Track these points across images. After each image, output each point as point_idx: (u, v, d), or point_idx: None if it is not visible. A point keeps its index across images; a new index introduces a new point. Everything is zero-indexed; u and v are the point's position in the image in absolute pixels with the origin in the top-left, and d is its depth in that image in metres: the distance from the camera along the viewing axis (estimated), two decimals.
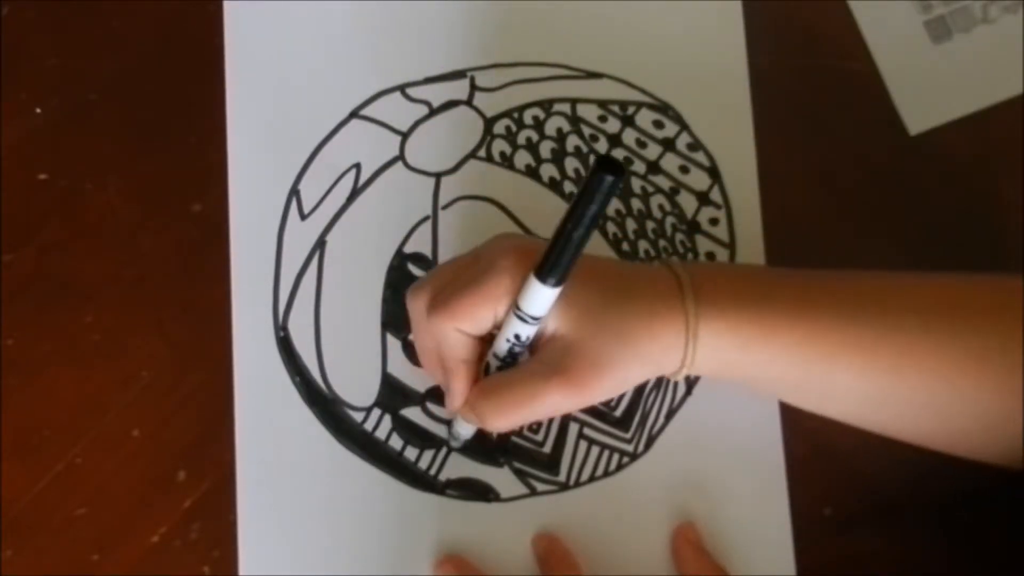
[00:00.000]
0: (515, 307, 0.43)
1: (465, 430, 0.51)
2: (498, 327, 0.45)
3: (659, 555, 0.53)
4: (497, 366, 0.46)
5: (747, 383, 0.49)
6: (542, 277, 0.41)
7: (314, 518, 0.52)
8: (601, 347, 0.44)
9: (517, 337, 0.44)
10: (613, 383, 0.45)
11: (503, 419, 0.46)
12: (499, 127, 0.56)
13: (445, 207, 0.55)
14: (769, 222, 0.55)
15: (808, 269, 0.48)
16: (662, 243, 0.55)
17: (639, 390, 0.54)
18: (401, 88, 0.56)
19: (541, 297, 0.42)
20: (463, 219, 0.55)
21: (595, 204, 0.39)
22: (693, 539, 0.52)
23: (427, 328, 0.46)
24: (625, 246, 0.55)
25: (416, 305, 0.46)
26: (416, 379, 0.53)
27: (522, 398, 0.44)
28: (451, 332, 0.45)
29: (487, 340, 0.46)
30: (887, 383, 0.46)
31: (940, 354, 0.45)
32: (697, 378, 0.54)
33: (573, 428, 0.54)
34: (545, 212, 0.55)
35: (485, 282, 0.44)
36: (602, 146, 0.56)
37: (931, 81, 0.57)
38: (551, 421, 0.53)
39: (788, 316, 0.45)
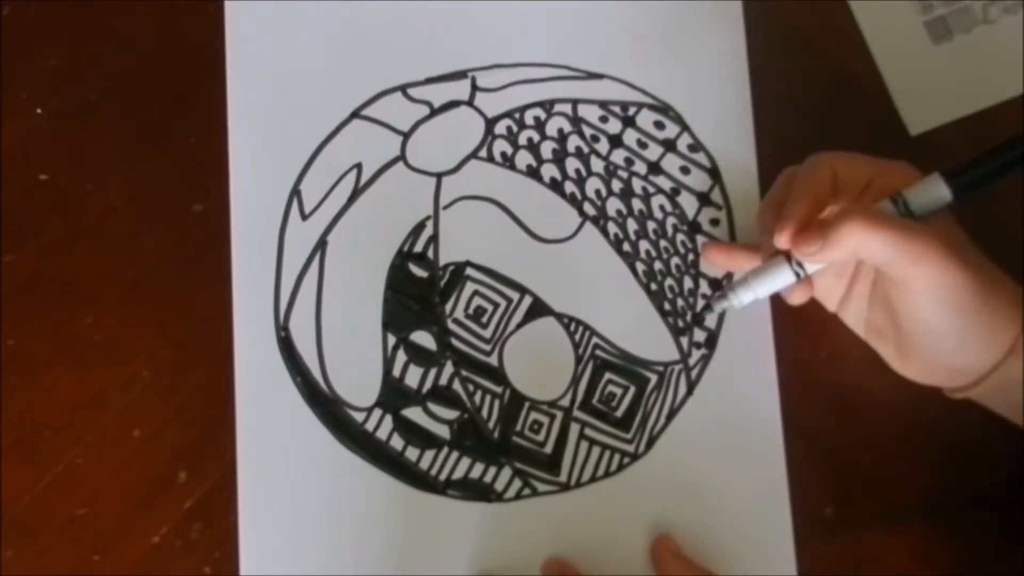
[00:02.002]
0: (892, 196, 0.45)
1: (763, 288, 0.50)
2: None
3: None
4: None
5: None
6: (951, 179, 0.42)
7: (315, 518, 0.52)
8: (973, 264, 0.45)
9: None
10: (964, 287, 0.44)
11: (862, 235, 0.44)
12: (500, 127, 0.56)
13: (446, 207, 0.55)
14: None
15: None
16: (663, 243, 0.55)
17: (640, 391, 0.54)
18: (402, 88, 0.56)
19: (933, 194, 0.43)
20: (464, 219, 0.55)
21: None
22: (672, 548, 0.52)
23: (809, 162, 0.48)
24: (626, 246, 0.55)
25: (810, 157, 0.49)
26: (417, 378, 0.53)
27: (895, 228, 0.43)
28: (824, 166, 0.47)
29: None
30: None
31: None
32: (698, 379, 0.54)
33: (574, 428, 0.54)
34: (546, 213, 0.55)
35: (896, 166, 0.47)
36: (603, 147, 0.56)
37: (931, 81, 0.57)
38: (552, 421, 0.53)
39: None
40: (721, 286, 0.54)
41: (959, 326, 0.46)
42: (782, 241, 0.46)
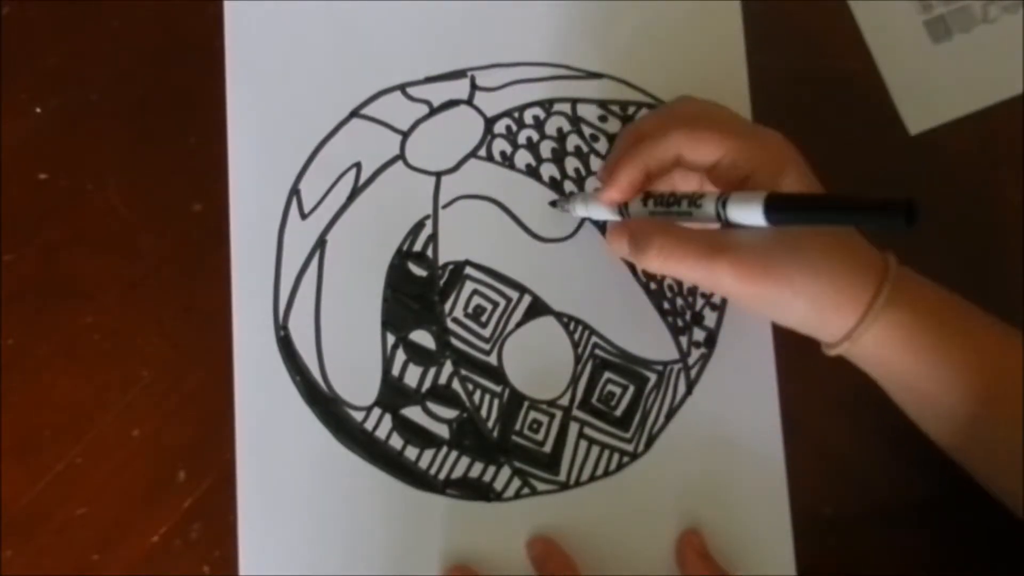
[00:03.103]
0: (723, 197, 0.44)
1: (594, 211, 0.51)
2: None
3: (659, 555, 0.53)
4: (652, 209, 0.47)
5: (898, 375, 0.48)
6: (770, 215, 0.41)
7: (314, 518, 0.52)
8: (786, 263, 0.45)
9: (694, 203, 0.45)
10: (772, 299, 0.45)
11: (661, 263, 0.46)
12: (499, 126, 0.56)
13: (445, 206, 0.55)
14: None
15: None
16: None
17: (639, 390, 0.54)
18: (401, 87, 0.56)
19: (750, 217, 0.42)
20: (463, 218, 0.55)
21: (864, 219, 0.39)
22: (698, 546, 0.52)
23: (665, 118, 0.48)
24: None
25: (682, 102, 0.50)
26: (416, 378, 0.53)
27: (690, 258, 0.45)
28: (672, 140, 0.46)
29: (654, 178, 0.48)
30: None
31: None
32: (698, 378, 0.54)
33: (573, 428, 0.54)
34: (546, 212, 0.55)
35: (753, 145, 0.46)
36: (603, 146, 0.56)
37: (931, 81, 0.57)
38: (551, 420, 0.53)
39: (982, 326, 0.47)
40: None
41: (779, 321, 0.48)
42: (607, 199, 0.49)
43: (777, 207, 0.41)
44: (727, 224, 0.44)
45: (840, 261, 0.46)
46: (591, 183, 0.55)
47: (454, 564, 0.52)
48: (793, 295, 0.45)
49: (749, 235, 0.45)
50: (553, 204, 0.55)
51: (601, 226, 0.54)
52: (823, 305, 0.46)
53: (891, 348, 0.46)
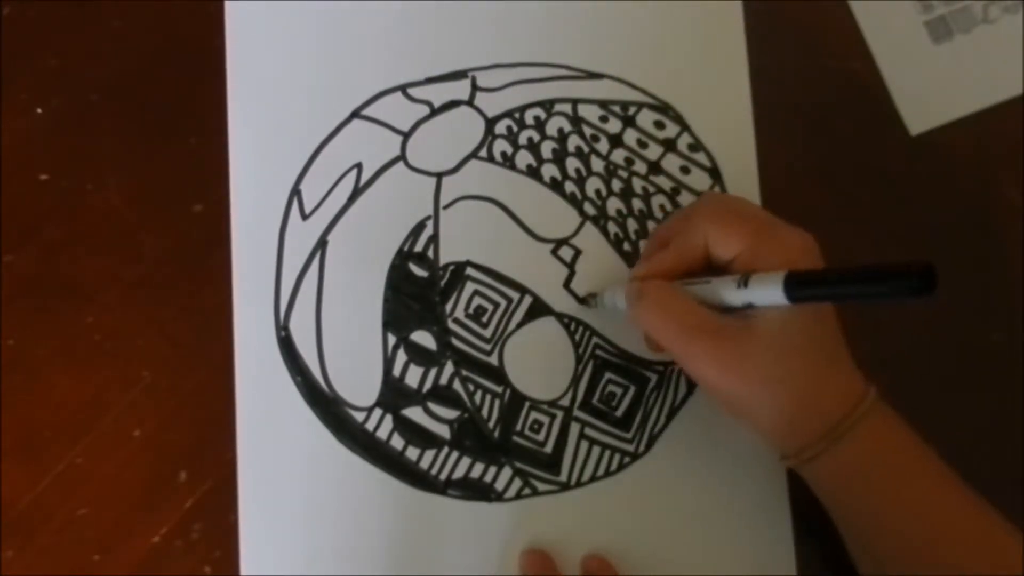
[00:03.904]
0: (745, 277, 0.43)
1: (621, 302, 0.50)
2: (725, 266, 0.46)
3: (659, 555, 0.53)
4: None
5: (840, 504, 0.48)
6: (790, 291, 0.41)
7: (315, 518, 0.52)
8: (763, 367, 0.44)
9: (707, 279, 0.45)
10: (737, 395, 0.45)
11: (641, 320, 0.46)
12: (500, 127, 0.56)
13: (446, 207, 0.55)
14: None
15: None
16: None
17: (640, 390, 0.54)
18: (402, 88, 0.56)
19: (770, 294, 0.42)
20: (464, 219, 0.55)
21: (886, 287, 0.37)
22: (596, 570, 0.52)
23: (694, 214, 0.47)
24: (627, 246, 0.55)
25: (708, 199, 0.49)
26: (417, 378, 0.54)
27: (674, 323, 0.45)
28: (700, 230, 0.46)
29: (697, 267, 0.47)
30: None
31: None
32: None
33: (574, 428, 0.54)
34: (546, 212, 0.55)
35: (774, 241, 0.45)
36: (603, 146, 0.56)
37: (931, 81, 0.57)
38: (552, 421, 0.53)
39: (937, 483, 0.46)
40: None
41: (736, 417, 0.48)
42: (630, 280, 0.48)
43: (797, 283, 0.41)
44: (746, 307, 0.44)
45: (816, 381, 0.45)
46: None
47: (527, 549, 0.52)
48: (757, 397, 0.45)
49: (739, 329, 0.44)
50: (583, 301, 0.54)
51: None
52: (783, 418, 0.45)
53: (838, 479, 0.46)
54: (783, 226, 0.46)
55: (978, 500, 0.46)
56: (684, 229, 0.47)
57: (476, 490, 0.53)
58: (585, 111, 0.56)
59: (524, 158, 0.55)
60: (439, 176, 0.55)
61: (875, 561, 0.47)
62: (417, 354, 0.54)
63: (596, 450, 0.53)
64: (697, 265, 0.47)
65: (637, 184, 0.56)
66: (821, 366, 0.45)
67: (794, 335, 0.44)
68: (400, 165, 0.55)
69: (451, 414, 0.53)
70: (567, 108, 0.56)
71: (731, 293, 0.44)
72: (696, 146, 0.56)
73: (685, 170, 0.56)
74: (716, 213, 0.46)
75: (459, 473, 0.53)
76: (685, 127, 0.56)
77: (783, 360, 0.44)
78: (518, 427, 0.53)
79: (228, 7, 0.56)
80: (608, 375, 0.54)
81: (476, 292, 0.54)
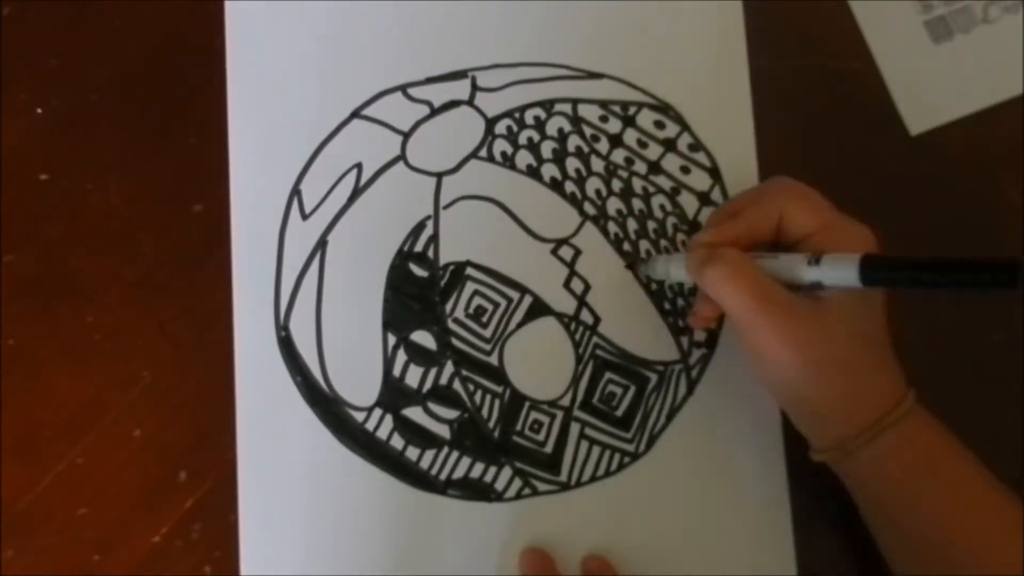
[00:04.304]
0: (815, 255, 0.43)
1: (675, 272, 0.51)
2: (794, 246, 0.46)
3: (659, 555, 0.53)
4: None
5: (874, 498, 0.48)
6: (865, 274, 0.41)
7: (315, 518, 0.52)
8: (824, 350, 0.44)
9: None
10: (791, 374, 0.45)
11: (714, 284, 0.45)
12: (500, 127, 0.56)
13: (446, 207, 0.55)
14: None
15: None
16: (663, 243, 0.55)
17: (640, 390, 0.54)
18: (402, 88, 0.56)
19: (844, 276, 0.42)
20: (464, 219, 0.55)
21: (968, 280, 0.37)
22: (596, 570, 0.52)
23: (769, 190, 0.48)
24: (627, 246, 0.55)
25: (782, 180, 0.49)
26: (417, 378, 0.54)
27: (750, 292, 0.44)
28: (775, 204, 0.46)
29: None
30: None
31: None
32: (698, 378, 0.54)
33: (574, 428, 0.54)
34: (546, 212, 0.55)
35: (845, 226, 0.46)
36: (603, 146, 0.56)
37: (931, 81, 0.57)
38: (552, 421, 0.53)
39: (971, 480, 0.46)
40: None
41: (779, 397, 0.49)
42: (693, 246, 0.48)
43: (874, 264, 0.41)
44: (813, 286, 0.44)
45: (869, 373, 0.46)
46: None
47: (527, 548, 0.52)
48: (814, 381, 0.45)
49: (811, 307, 0.44)
50: (630, 267, 0.54)
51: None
52: (834, 403, 0.46)
53: (879, 473, 0.46)
54: (851, 218, 0.47)
55: (1012, 496, 0.46)
56: (758, 202, 0.47)
57: (476, 490, 0.53)
58: (585, 111, 0.56)
59: (524, 158, 0.55)
60: (439, 176, 0.55)
61: (907, 559, 0.48)
62: (417, 354, 0.54)
63: (596, 450, 0.53)
64: (764, 240, 0.47)
65: (637, 184, 0.56)
66: (875, 358, 0.46)
67: (858, 323, 0.45)
68: (400, 165, 0.55)
69: (451, 414, 0.53)
70: (567, 108, 0.56)
71: (801, 269, 0.44)
72: (696, 146, 0.56)
73: (685, 170, 0.56)
74: (793, 191, 0.47)
75: (459, 473, 0.53)
76: (685, 127, 0.56)
77: (846, 347, 0.45)
78: (518, 427, 0.53)
79: (228, 7, 0.56)
80: (608, 375, 0.54)
81: (476, 292, 0.54)
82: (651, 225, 0.55)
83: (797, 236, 0.46)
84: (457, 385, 0.53)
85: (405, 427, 0.53)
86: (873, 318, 0.46)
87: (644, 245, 0.55)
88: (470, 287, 0.54)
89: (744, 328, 0.46)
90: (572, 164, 0.55)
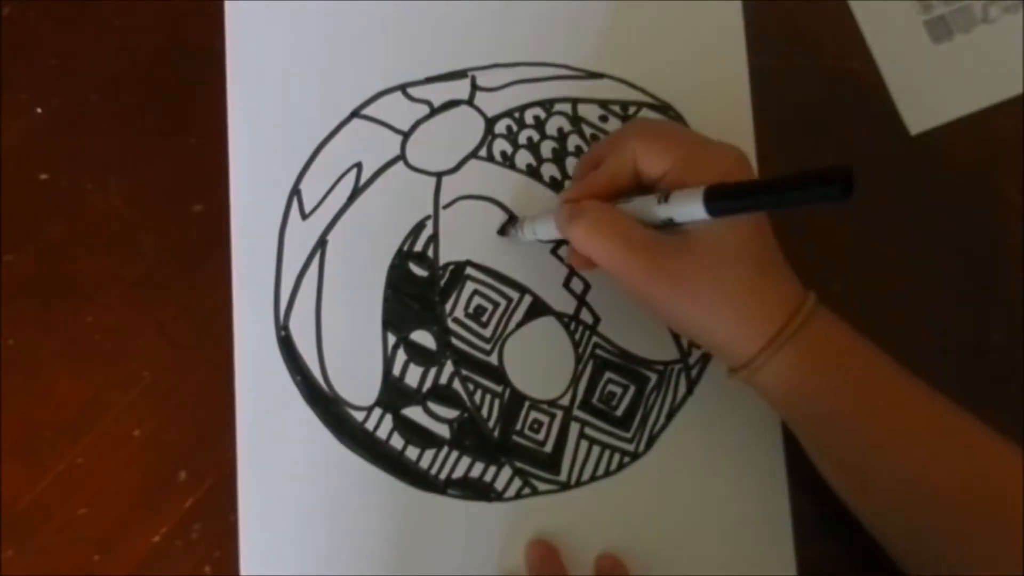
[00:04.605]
0: (665, 193, 0.44)
1: (542, 231, 0.51)
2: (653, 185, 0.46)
3: (659, 555, 0.53)
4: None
5: (793, 412, 0.48)
6: (710, 205, 0.41)
7: (315, 518, 0.52)
8: (701, 277, 0.45)
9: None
10: (675, 306, 0.45)
11: (579, 239, 0.46)
12: (500, 127, 0.56)
13: (446, 206, 0.55)
14: (769, 221, 0.55)
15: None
16: None
17: (640, 390, 0.54)
18: (402, 88, 0.56)
19: (691, 209, 0.42)
20: (464, 219, 0.55)
21: (804, 194, 0.37)
22: (609, 569, 0.52)
23: (621, 136, 0.48)
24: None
25: (635, 122, 0.50)
26: (417, 378, 0.54)
27: (612, 241, 0.45)
28: (629, 148, 0.46)
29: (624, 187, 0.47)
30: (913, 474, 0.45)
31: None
32: (698, 378, 0.54)
33: (574, 427, 0.54)
34: (546, 212, 0.55)
35: (703, 158, 0.45)
36: None
37: (931, 81, 0.57)
38: (552, 420, 0.53)
39: (886, 376, 0.46)
40: None
41: (682, 333, 0.49)
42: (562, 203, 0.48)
43: (717, 195, 0.41)
44: (668, 224, 0.44)
45: (755, 290, 0.45)
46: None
47: (533, 540, 0.52)
48: (699, 310, 0.45)
49: (676, 243, 0.45)
50: (502, 232, 0.54)
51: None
52: (727, 330, 0.46)
53: (789, 386, 0.46)
54: (713, 143, 0.47)
55: (931, 391, 0.46)
56: (614, 149, 0.47)
57: (476, 490, 0.53)
58: (585, 111, 0.56)
59: (524, 158, 0.55)
60: (439, 176, 0.55)
61: (837, 467, 0.48)
62: (417, 354, 0.54)
63: (596, 450, 0.53)
64: (628, 185, 0.47)
65: None
66: (757, 277, 0.45)
67: (729, 246, 0.45)
68: (400, 165, 0.55)
69: (451, 414, 0.53)
70: (567, 108, 0.56)
71: (653, 209, 0.44)
72: None
73: None
74: (644, 131, 0.47)
75: (459, 473, 0.53)
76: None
77: (719, 272, 0.45)
78: (518, 427, 0.53)
79: (228, 7, 0.56)
80: (608, 375, 0.54)
81: (476, 292, 0.54)
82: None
83: (655, 176, 0.46)
84: (457, 385, 0.53)
85: (405, 427, 0.53)
86: (751, 237, 0.46)
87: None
88: (470, 287, 0.54)
89: (616, 276, 0.46)
90: (572, 164, 0.55)
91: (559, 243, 0.55)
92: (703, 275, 0.45)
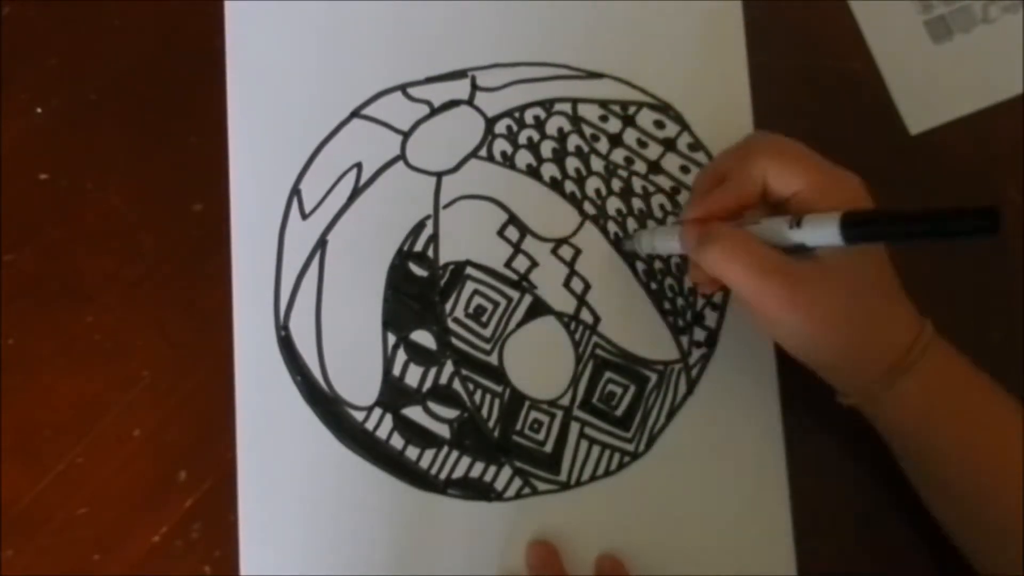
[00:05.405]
0: (797, 217, 0.43)
1: (662, 246, 0.50)
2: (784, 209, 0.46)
3: (659, 555, 0.53)
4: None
5: (906, 439, 0.48)
6: (846, 231, 0.41)
7: (315, 518, 0.52)
8: (831, 303, 0.44)
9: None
10: (805, 332, 0.45)
11: (715, 264, 0.45)
12: (500, 127, 0.56)
13: (446, 206, 0.55)
14: None
15: None
16: None
17: (640, 390, 0.54)
18: (402, 88, 0.56)
19: (826, 235, 0.42)
20: (464, 218, 0.55)
21: (947, 228, 0.37)
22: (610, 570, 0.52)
23: (752, 151, 0.46)
24: (627, 245, 0.55)
25: (760, 135, 0.49)
26: (417, 378, 0.53)
27: (749, 268, 0.44)
28: (759, 166, 0.45)
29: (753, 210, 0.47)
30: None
31: None
32: (698, 378, 0.54)
33: (574, 427, 0.54)
34: (546, 212, 0.55)
35: (831, 181, 0.45)
36: (603, 146, 0.56)
37: (931, 81, 0.57)
38: (552, 420, 0.53)
39: (999, 406, 0.47)
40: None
41: (801, 358, 0.48)
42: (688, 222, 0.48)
43: (854, 222, 0.41)
44: (799, 248, 0.44)
45: (880, 320, 0.46)
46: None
47: (534, 541, 0.52)
48: (828, 338, 0.45)
49: (809, 270, 0.44)
50: (618, 241, 0.55)
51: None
52: (850, 356, 0.46)
53: (904, 414, 0.46)
54: (839, 169, 0.46)
55: None
56: (742, 165, 0.46)
57: (476, 490, 0.53)
58: (585, 111, 0.56)
59: (524, 157, 0.55)
60: (439, 176, 0.55)
61: (947, 500, 0.48)
62: (417, 353, 0.54)
63: (596, 450, 0.53)
64: (753, 203, 0.46)
65: (637, 183, 0.56)
66: (883, 304, 0.46)
67: (858, 275, 0.45)
68: (400, 165, 0.55)
69: (451, 413, 0.53)
70: (567, 108, 0.56)
71: (784, 233, 0.44)
72: (696, 146, 0.56)
73: (685, 169, 0.56)
74: (775, 148, 0.46)
75: (459, 472, 0.53)
76: (685, 127, 0.56)
77: (850, 300, 0.45)
78: (518, 426, 0.53)
79: (228, 7, 0.56)
80: (608, 374, 0.54)
81: (476, 291, 0.54)
82: (651, 224, 0.55)
83: (784, 195, 0.46)
84: (457, 385, 0.53)
85: (405, 426, 0.53)
86: (875, 265, 0.46)
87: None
88: (470, 287, 0.54)
89: (748, 300, 0.45)
90: (572, 164, 0.55)
91: (560, 243, 0.54)
92: (837, 304, 0.44)
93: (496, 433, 0.53)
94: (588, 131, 0.56)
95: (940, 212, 0.37)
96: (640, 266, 0.55)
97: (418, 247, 0.54)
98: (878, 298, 0.46)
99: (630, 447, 0.54)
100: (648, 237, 0.51)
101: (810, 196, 0.45)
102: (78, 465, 0.52)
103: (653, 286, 0.55)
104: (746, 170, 0.46)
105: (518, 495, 0.53)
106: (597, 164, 0.56)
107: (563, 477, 0.53)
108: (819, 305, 0.44)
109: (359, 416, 0.53)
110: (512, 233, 0.55)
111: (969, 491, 0.47)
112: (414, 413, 0.53)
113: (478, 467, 0.53)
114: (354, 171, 0.55)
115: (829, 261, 0.44)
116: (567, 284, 0.54)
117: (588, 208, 0.55)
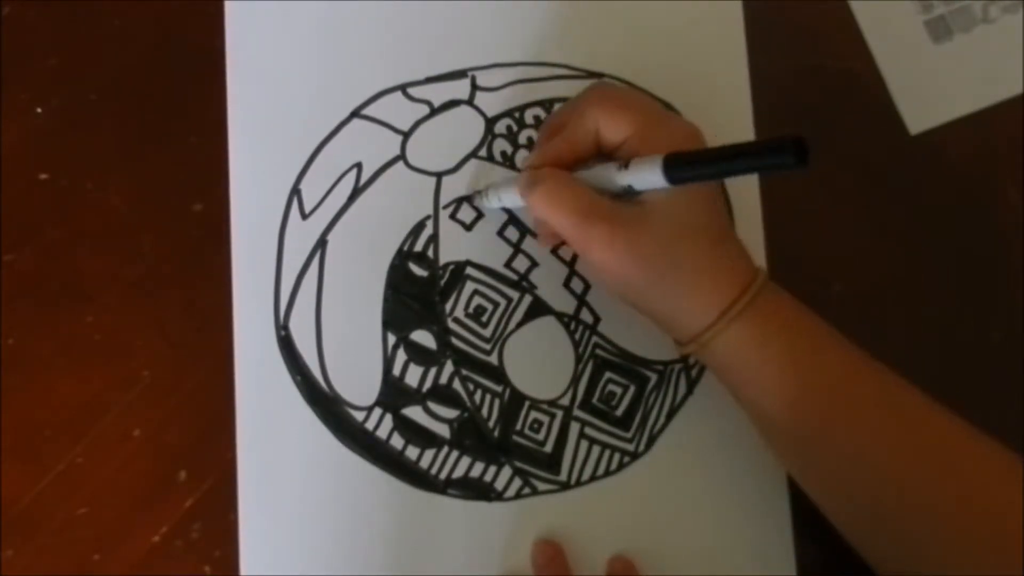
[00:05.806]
0: (625, 160, 0.44)
1: (507, 199, 0.51)
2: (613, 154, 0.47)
3: (659, 555, 0.53)
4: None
5: (742, 386, 0.48)
6: (669, 172, 0.42)
7: (315, 518, 0.52)
8: (657, 250, 0.45)
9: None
10: (633, 279, 0.45)
11: (537, 206, 0.46)
12: (500, 126, 0.56)
13: (446, 206, 0.55)
14: (769, 222, 0.55)
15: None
16: None
17: (640, 390, 0.54)
18: (402, 87, 0.56)
19: (651, 177, 0.43)
20: (464, 218, 0.55)
21: (760, 162, 0.39)
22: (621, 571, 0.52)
23: (583, 102, 0.47)
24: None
25: (597, 87, 0.49)
26: (417, 378, 0.53)
27: (570, 209, 0.45)
28: (591, 115, 0.46)
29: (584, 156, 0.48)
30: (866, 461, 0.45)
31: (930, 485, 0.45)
32: (698, 378, 0.54)
33: (574, 427, 0.54)
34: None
35: (661, 130, 0.46)
36: None
37: (931, 81, 0.57)
38: (552, 420, 0.53)
39: (833, 350, 0.46)
40: None
41: (633, 306, 0.48)
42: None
43: (676, 162, 0.42)
44: (628, 192, 0.45)
45: (708, 264, 0.46)
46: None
47: (540, 539, 0.52)
48: (652, 282, 0.45)
49: (633, 214, 0.45)
50: (469, 200, 0.55)
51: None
52: (679, 303, 0.46)
53: (737, 359, 0.46)
54: (670, 115, 0.47)
55: (879, 365, 0.46)
56: (574, 116, 0.47)
57: (476, 490, 0.53)
58: None
59: (524, 157, 0.55)
60: (439, 176, 0.55)
61: (784, 443, 0.48)
62: (417, 353, 0.54)
63: (596, 450, 0.53)
64: (588, 153, 0.47)
65: None
66: (710, 251, 0.46)
67: (683, 219, 0.45)
68: (400, 165, 0.55)
69: (451, 413, 0.53)
70: None
71: (613, 176, 0.45)
72: None
73: None
74: (605, 98, 0.47)
75: (459, 472, 0.53)
76: None
77: (673, 244, 0.45)
78: (518, 426, 0.53)
79: (228, 7, 0.56)
80: (608, 374, 0.54)
81: (476, 292, 0.54)
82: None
83: (615, 143, 0.46)
84: (457, 384, 0.53)
85: (405, 426, 0.53)
86: (704, 210, 0.46)
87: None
88: (470, 287, 0.54)
89: (573, 243, 0.46)
90: None
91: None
92: (659, 246, 0.45)
93: (496, 433, 0.53)
94: None
95: (750, 146, 0.40)
96: None
97: (418, 247, 0.54)
98: (706, 243, 0.46)
99: (630, 447, 0.54)
100: (494, 192, 0.52)
101: (639, 142, 0.45)
102: (78, 465, 0.52)
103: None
104: (579, 119, 0.47)
105: (518, 495, 0.53)
106: None
107: (563, 477, 0.53)
108: (639, 246, 0.44)
109: (359, 416, 0.53)
110: (512, 233, 0.55)
111: (804, 435, 0.46)
112: (414, 413, 0.53)
113: (478, 467, 0.53)
114: (354, 171, 0.55)
115: (655, 207, 0.45)
116: (567, 284, 0.54)
117: None
